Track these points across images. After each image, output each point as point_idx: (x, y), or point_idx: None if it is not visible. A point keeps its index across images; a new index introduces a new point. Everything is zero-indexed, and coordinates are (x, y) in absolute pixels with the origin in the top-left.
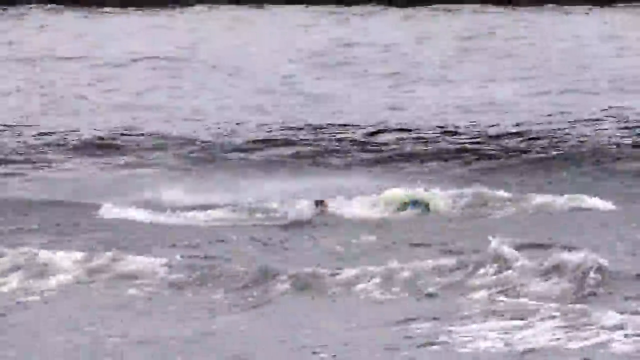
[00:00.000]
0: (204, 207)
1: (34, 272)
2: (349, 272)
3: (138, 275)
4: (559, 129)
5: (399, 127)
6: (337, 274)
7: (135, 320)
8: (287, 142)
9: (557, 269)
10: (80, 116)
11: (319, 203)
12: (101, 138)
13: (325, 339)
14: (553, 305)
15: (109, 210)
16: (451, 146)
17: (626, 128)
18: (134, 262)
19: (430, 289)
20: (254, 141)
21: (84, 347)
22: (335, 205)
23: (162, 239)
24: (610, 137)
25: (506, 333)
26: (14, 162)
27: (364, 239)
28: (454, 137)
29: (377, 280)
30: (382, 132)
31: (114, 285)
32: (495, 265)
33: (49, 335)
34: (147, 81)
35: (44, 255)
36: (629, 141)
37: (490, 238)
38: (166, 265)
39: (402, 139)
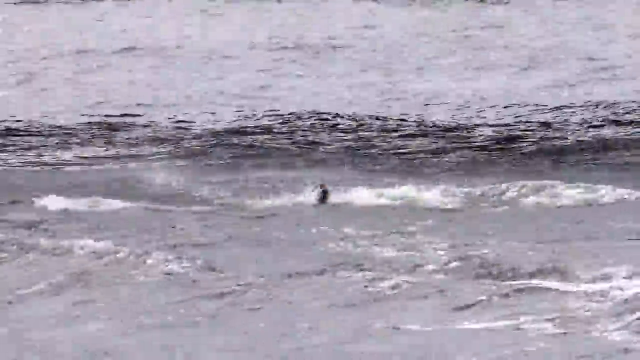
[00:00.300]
0: (199, 199)
1: (26, 263)
2: (343, 266)
3: (130, 268)
4: (548, 121)
5: (388, 117)
6: (332, 267)
7: (132, 316)
8: (277, 133)
9: (558, 268)
10: (68, 106)
11: (324, 193)
12: (91, 129)
13: (321, 335)
14: (549, 307)
15: (100, 201)
16: (441, 138)
17: (615, 114)
18: (124, 253)
19: (426, 287)
20: (245, 132)
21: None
22: (333, 196)
23: (157, 232)
24: (599, 127)
25: (500, 333)
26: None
27: (355, 232)
28: (444, 129)
29: (372, 274)
30: (373, 123)
31: (108, 278)
32: (493, 265)
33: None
34: (137, 71)
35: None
36: (619, 130)
37: (487, 234)
38: (162, 258)
39: (392, 130)
